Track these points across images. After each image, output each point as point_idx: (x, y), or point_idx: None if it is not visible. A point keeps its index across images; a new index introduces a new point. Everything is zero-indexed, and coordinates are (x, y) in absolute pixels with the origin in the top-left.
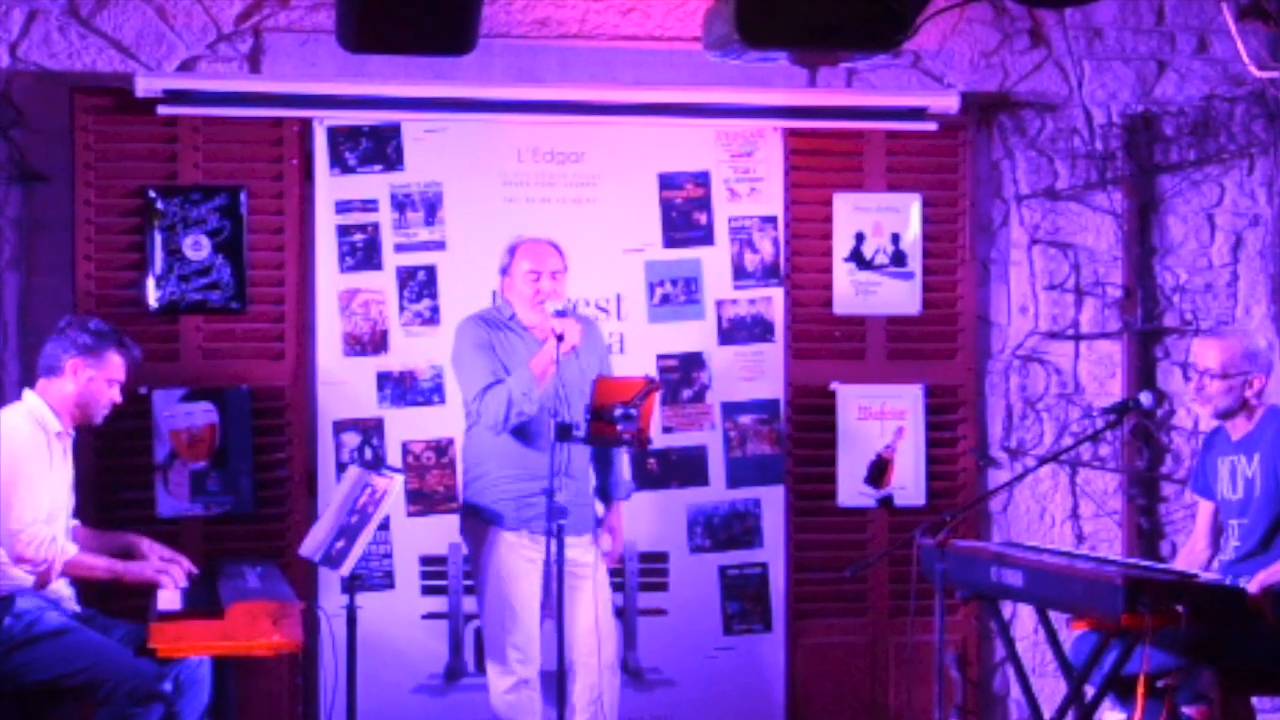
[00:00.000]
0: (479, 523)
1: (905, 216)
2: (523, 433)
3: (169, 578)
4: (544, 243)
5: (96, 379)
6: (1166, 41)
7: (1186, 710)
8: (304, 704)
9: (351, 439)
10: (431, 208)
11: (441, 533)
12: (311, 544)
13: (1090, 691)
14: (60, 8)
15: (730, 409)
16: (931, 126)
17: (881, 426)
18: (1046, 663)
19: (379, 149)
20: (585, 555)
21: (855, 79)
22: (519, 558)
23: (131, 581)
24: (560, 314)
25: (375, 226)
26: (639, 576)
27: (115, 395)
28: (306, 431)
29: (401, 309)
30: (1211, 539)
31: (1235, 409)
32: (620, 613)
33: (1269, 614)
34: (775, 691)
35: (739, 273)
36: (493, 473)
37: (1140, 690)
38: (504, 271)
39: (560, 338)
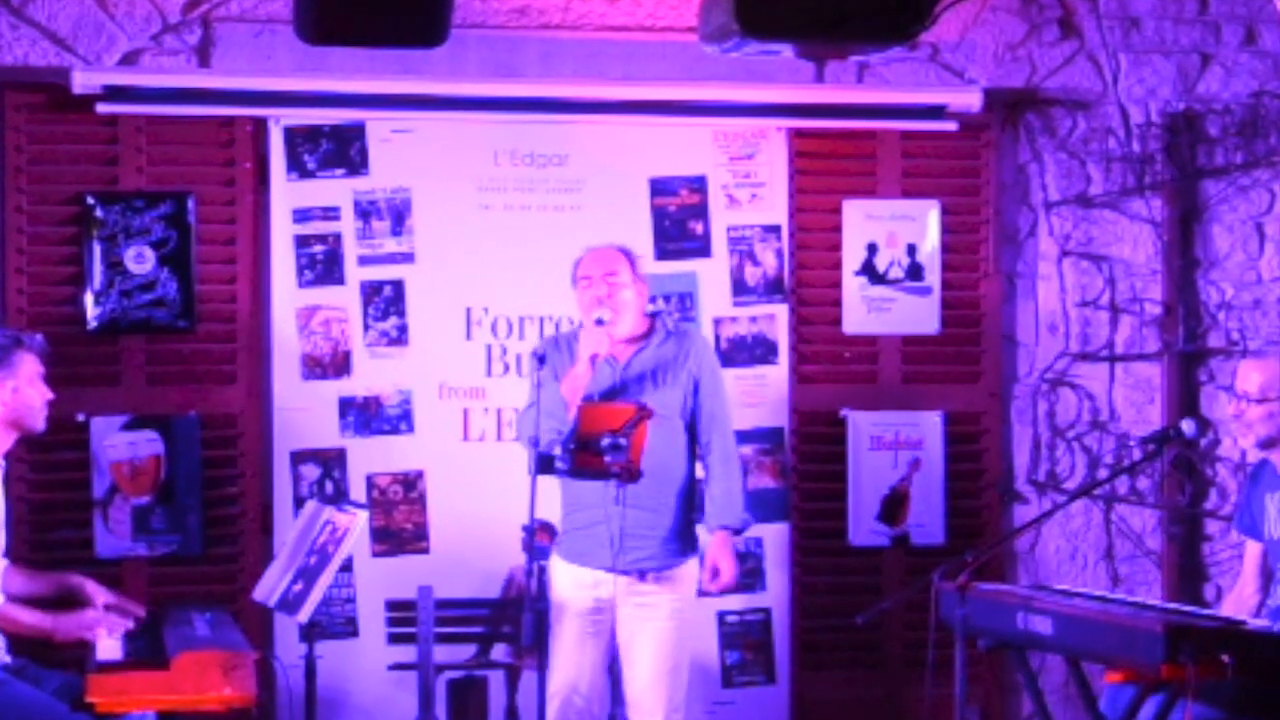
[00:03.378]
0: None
1: (922, 226)
2: None
3: (102, 629)
4: (608, 248)
5: (20, 387)
6: (1211, 32)
7: None
8: None
9: (310, 471)
10: (399, 216)
11: (410, 575)
12: (266, 587)
13: None
14: None
15: None
16: (951, 126)
17: (896, 457)
18: (1078, 718)
19: (341, 151)
20: (647, 598)
21: (867, 74)
22: (572, 593)
23: (62, 641)
24: (599, 323)
25: (337, 237)
26: None
27: (45, 391)
28: (261, 463)
29: (366, 328)
30: (1261, 582)
31: (1277, 438)
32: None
33: None
34: None
35: (739, 288)
36: (566, 500)
37: None
38: (573, 285)
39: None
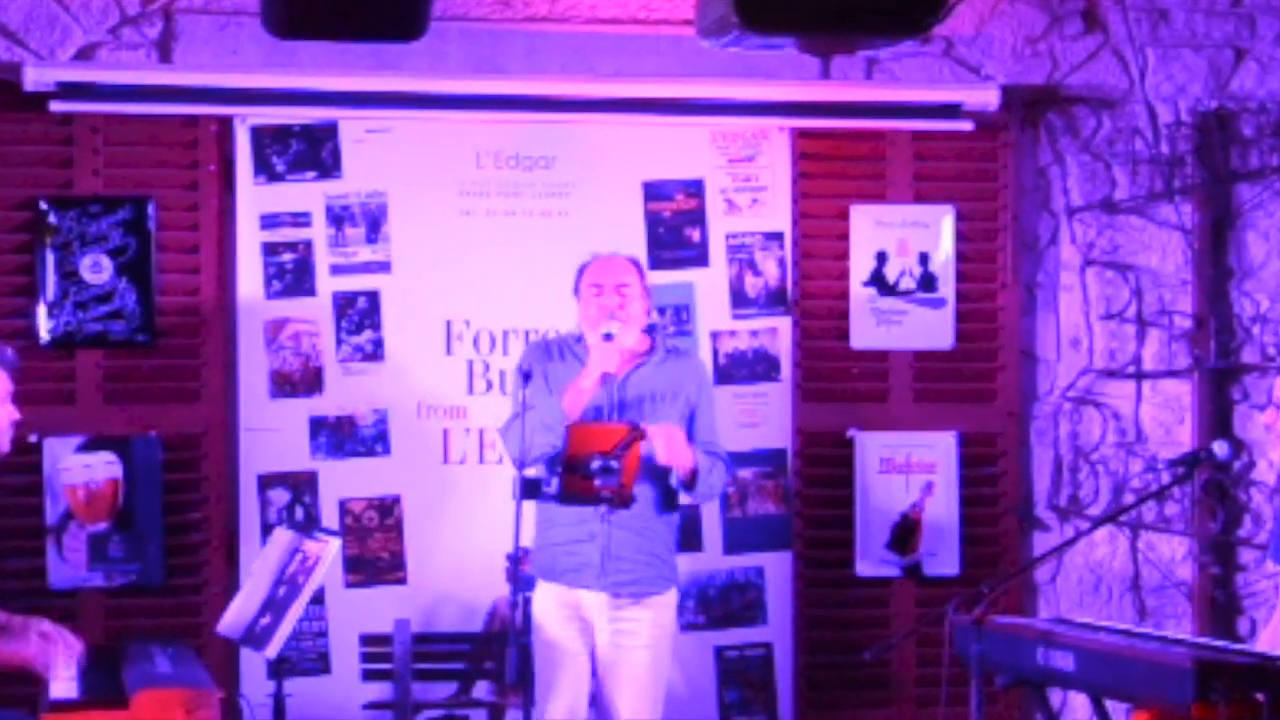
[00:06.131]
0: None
1: (935, 233)
2: None
3: (57, 662)
4: (618, 257)
5: None
6: (1245, 25)
7: None
8: None
9: (279, 496)
10: (374, 222)
11: (386, 607)
12: (232, 620)
13: None
14: None
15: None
16: (967, 126)
17: (907, 481)
18: None
19: (312, 153)
20: (626, 624)
21: (876, 70)
22: (552, 612)
23: (40, 670)
24: (608, 337)
25: (308, 244)
26: None
27: (12, 411)
28: (226, 487)
29: (339, 342)
30: None
31: None
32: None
33: None
34: None
35: (738, 299)
36: (541, 516)
37: None
38: (575, 293)
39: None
